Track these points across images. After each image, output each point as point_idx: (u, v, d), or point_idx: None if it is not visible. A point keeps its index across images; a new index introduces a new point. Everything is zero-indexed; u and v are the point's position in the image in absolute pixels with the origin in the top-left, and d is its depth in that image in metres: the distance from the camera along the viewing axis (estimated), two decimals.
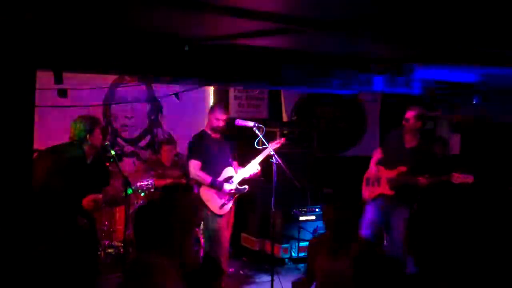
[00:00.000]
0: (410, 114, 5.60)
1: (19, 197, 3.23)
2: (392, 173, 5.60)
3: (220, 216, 5.34)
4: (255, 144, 5.23)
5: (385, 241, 6.10)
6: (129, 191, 4.87)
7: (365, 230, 5.60)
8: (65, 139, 4.83)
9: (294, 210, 6.76)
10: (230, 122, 5.56)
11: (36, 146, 3.85)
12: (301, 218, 6.75)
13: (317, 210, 6.88)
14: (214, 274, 5.07)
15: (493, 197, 6.81)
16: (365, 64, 5.37)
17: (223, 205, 5.33)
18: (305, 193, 7.02)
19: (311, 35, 3.98)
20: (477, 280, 5.17)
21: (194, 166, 5.36)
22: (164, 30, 4.09)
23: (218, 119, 5.42)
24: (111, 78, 6.81)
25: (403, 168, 5.54)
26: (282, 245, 6.60)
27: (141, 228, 3.10)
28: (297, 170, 5.55)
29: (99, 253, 5.72)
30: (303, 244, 6.59)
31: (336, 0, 2.99)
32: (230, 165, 5.49)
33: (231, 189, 5.35)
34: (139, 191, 5.34)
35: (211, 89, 7.79)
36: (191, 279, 3.01)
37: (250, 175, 5.48)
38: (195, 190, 5.54)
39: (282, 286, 5.46)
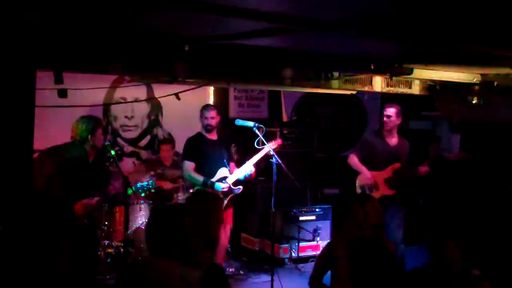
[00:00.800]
0: (391, 111, 5.71)
1: (19, 197, 3.23)
2: (387, 173, 5.65)
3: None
4: (255, 144, 5.24)
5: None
6: (129, 191, 4.88)
7: None
8: (65, 139, 4.83)
9: (294, 210, 6.76)
10: (230, 122, 5.57)
11: (36, 146, 3.84)
12: (301, 218, 6.74)
13: (317, 210, 6.87)
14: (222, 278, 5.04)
15: (493, 197, 6.81)
16: (365, 64, 5.36)
17: None
18: (305, 193, 7.02)
19: (311, 35, 3.98)
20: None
21: (187, 167, 5.47)
22: (164, 30, 4.08)
23: (206, 117, 5.56)
24: (111, 78, 6.81)
25: (397, 165, 5.64)
26: (282, 245, 6.59)
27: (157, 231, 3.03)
28: (297, 170, 5.57)
29: (99, 253, 5.72)
30: (303, 244, 6.59)
31: (336, 0, 2.99)
32: (225, 166, 5.56)
33: (223, 188, 5.40)
34: (140, 191, 5.34)
35: (211, 89, 7.79)
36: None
37: (245, 177, 5.50)
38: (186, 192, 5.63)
39: (282, 286, 5.46)
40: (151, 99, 7.34)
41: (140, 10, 3.34)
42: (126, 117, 7.31)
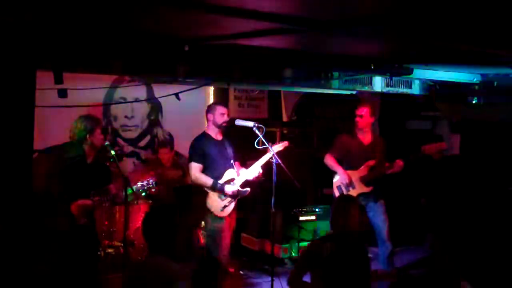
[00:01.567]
0: (363, 110, 5.86)
1: (19, 197, 3.23)
2: (363, 171, 5.81)
3: (221, 218, 5.27)
4: (255, 144, 5.21)
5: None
6: (129, 190, 4.88)
7: None
8: (64, 139, 4.83)
9: (294, 210, 6.76)
10: (230, 122, 5.54)
11: (36, 146, 3.84)
12: (301, 218, 6.74)
13: (317, 210, 6.87)
14: (214, 272, 5.05)
15: (493, 197, 6.81)
16: (365, 64, 5.36)
17: (224, 207, 5.27)
18: (305, 193, 7.02)
19: (311, 35, 3.98)
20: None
21: (195, 169, 5.29)
22: (164, 30, 4.09)
23: (223, 114, 5.37)
24: (111, 78, 6.80)
25: (371, 162, 5.79)
26: (282, 245, 6.59)
27: (150, 231, 3.07)
28: (297, 170, 5.55)
29: (99, 253, 5.72)
30: (303, 244, 6.59)
31: (336, 0, 2.99)
32: (232, 167, 5.41)
33: (233, 191, 5.28)
34: (140, 191, 5.34)
35: (211, 89, 7.78)
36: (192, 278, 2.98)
37: (254, 177, 5.43)
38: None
39: (282, 286, 5.46)
40: (151, 99, 7.34)
41: (140, 10, 3.34)
42: (126, 117, 7.30)
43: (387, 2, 2.97)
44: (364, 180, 5.80)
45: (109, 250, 5.99)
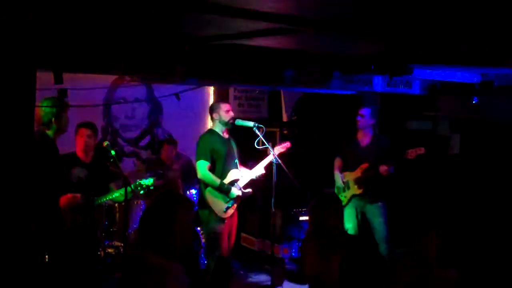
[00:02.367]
0: (365, 111, 5.94)
1: (19, 197, 3.23)
2: (356, 173, 5.86)
3: (223, 219, 5.22)
4: (255, 144, 5.20)
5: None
6: (129, 189, 4.86)
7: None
8: (64, 139, 4.83)
9: (294, 210, 6.76)
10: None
11: None
12: (301, 218, 6.74)
13: None
14: (226, 277, 5.01)
15: (493, 197, 6.81)
16: (365, 64, 5.36)
17: (227, 209, 5.24)
18: (305, 193, 7.02)
19: (311, 35, 3.98)
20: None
21: (203, 167, 5.19)
22: (164, 30, 4.09)
23: (228, 111, 5.32)
24: (111, 78, 6.81)
25: (364, 165, 5.82)
26: (282, 245, 6.59)
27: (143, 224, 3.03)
28: (297, 170, 5.55)
29: (99, 253, 5.72)
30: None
31: (336, 0, 2.99)
32: (236, 167, 5.35)
33: (238, 195, 5.24)
34: (138, 188, 5.33)
35: (211, 89, 7.79)
36: (202, 281, 2.94)
37: (257, 177, 5.39)
38: (199, 192, 5.50)
39: (282, 286, 5.47)
40: (151, 99, 7.34)
41: (141, 10, 3.34)
42: (126, 117, 7.31)
43: (387, 2, 2.97)
44: (358, 183, 5.84)
45: (109, 250, 5.99)
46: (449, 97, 7.10)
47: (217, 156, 5.24)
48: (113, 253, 5.98)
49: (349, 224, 5.76)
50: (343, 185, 5.95)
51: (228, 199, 5.21)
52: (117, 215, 6.16)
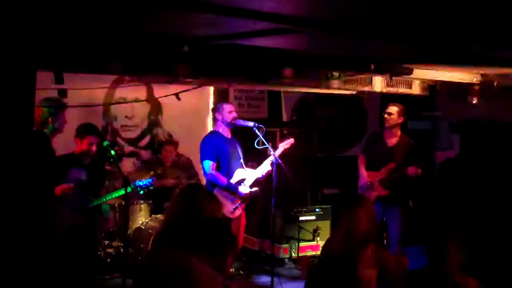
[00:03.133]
0: (393, 109, 5.74)
1: (19, 197, 3.23)
2: (382, 174, 5.69)
3: (231, 220, 5.21)
4: (255, 144, 5.21)
5: (384, 241, 6.12)
6: (128, 189, 4.86)
7: None
8: (64, 139, 4.83)
9: (294, 210, 6.76)
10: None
11: None
12: (301, 218, 6.74)
13: (317, 210, 6.87)
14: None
15: (493, 197, 6.82)
16: (365, 64, 5.36)
17: (235, 209, 5.22)
18: (305, 193, 7.02)
19: (311, 35, 3.97)
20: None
21: (209, 167, 5.20)
22: (164, 30, 4.08)
23: (231, 111, 5.34)
24: (111, 78, 6.81)
25: (391, 165, 5.64)
26: (282, 245, 6.59)
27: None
28: (297, 170, 5.55)
29: (99, 253, 5.72)
30: (303, 244, 6.59)
31: (336, 0, 2.99)
32: (242, 166, 5.37)
33: (246, 193, 5.23)
34: (138, 189, 5.34)
35: (211, 89, 7.79)
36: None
37: (263, 174, 5.38)
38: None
39: (282, 286, 5.46)
40: (151, 99, 7.34)
41: (141, 10, 3.34)
42: (126, 117, 7.30)
43: (387, 2, 2.97)
44: (383, 184, 5.65)
45: (109, 250, 6.00)
46: (448, 97, 7.10)
47: (222, 156, 5.26)
48: (113, 253, 5.99)
49: None
50: (367, 185, 5.77)
51: (236, 200, 5.21)
52: (117, 215, 6.16)
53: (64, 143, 5.10)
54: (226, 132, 5.37)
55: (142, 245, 5.91)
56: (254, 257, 6.85)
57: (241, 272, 6.37)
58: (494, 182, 6.97)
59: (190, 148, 6.85)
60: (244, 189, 5.23)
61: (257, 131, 5.13)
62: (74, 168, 4.91)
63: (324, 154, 8.21)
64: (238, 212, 5.24)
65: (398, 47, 4.63)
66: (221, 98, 7.65)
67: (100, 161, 5.18)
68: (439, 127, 8.23)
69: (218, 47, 4.65)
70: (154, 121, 7.52)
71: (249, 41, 4.27)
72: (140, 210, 6.32)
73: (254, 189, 5.32)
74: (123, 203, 5.59)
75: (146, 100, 7.32)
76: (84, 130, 4.91)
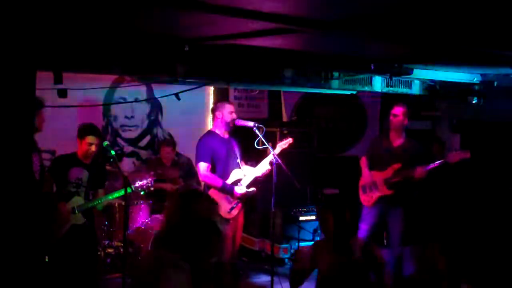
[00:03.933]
0: (399, 110, 5.70)
1: (18, 197, 3.23)
2: (387, 173, 5.65)
3: (228, 220, 5.20)
4: (255, 144, 5.21)
5: (384, 241, 6.12)
6: (129, 190, 4.87)
7: (363, 233, 5.62)
8: (64, 139, 4.83)
9: (294, 210, 6.76)
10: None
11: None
12: (301, 218, 6.75)
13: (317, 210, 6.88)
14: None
15: (493, 197, 6.81)
16: (365, 64, 5.36)
17: (231, 209, 5.20)
18: (305, 193, 7.02)
19: (311, 35, 3.97)
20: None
21: (204, 169, 5.19)
22: (164, 30, 4.08)
23: (231, 112, 5.32)
24: (111, 78, 6.81)
25: (397, 165, 5.61)
26: (282, 245, 6.59)
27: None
28: (297, 170, 5.54)
29: (99, 253, 5.72)
30: (303, 244, 6.59)
31: (336, 0, 2.99)
32: (238, 166, 5.34)
33: (242, 193, 5.23)
34: (139, 189, 5.33)
35: (211, 89, 7.79)
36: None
37: (262, 173, 5.38)
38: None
39: (282, 286, 5.46)
40: (151, 99, 7.34)
41: (140, 10, 3.34)
42: (126, 117, 7.31)
43: (387, 2, 2.97)
44: (387, 183, 5.63)
45: (109, 250, 6.00)
46: (448, 97, 7.09)
47: (217, 157, 5.24)
48: (113, 253, 5.99)
49: (365, 225, 5.69)
50: (370, 184, 5.75)
51: (232, 199, 5.21)
52: (117, 215, 6.16)
53: (44, 142, 5.03)
54: (223, 132, 5.36)
55: (142, 245, 5.91)
56: (254, 257, 6.85)
57: (241, 272, 6.36)
58: (494, 182, 6.97)
59: (190, 148, 6.84)
60: (240, 189, 5.21)
61: (257, 131, 5.12)
62: (74, 168, 4.91)
63: (324, 154, 8.21)
64: (235, 212, 5.23)
65: (398, 47, 4.63)
66: (221, 98, 7.65)
67: (100, 161, 5.18)
68: (439, 127, 8.23)
69: (218, 47, 4.65)
70: (154, 121, 7.52)
71: (249, 41, 4.27)
72: (140, 210, 6.31)
73: (251, 189, 5.29)
74: (123, 203, 5.59)
75: (146, 100, 7.32)
76: (84, 130, 4.91)
